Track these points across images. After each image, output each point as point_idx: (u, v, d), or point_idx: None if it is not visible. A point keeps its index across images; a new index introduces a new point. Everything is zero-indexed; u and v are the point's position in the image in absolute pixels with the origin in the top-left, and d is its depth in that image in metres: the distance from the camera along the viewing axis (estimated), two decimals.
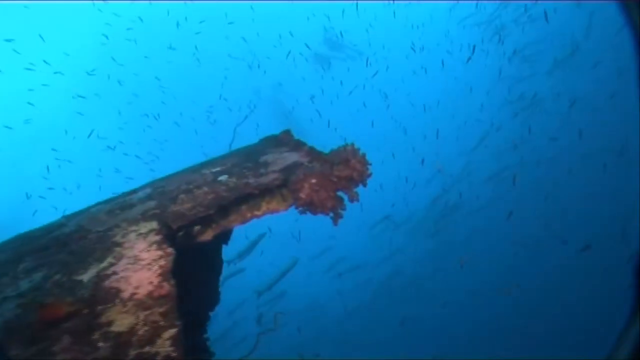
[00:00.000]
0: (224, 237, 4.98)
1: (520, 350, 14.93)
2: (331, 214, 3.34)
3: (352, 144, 3.50)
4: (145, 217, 3.26)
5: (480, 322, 17.42)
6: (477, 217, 18.68)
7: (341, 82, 18.51)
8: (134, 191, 3.98)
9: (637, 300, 1.17)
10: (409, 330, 17.90)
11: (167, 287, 2.40)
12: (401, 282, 20.14)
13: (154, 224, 3.09)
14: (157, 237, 2.91)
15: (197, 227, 3.60)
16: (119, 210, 3.55)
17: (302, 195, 3.19)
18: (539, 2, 16.81)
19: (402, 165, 20.79)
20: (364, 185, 3.56)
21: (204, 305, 5.20)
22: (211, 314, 5.39)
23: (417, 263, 19.37)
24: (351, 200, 3.45)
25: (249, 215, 3.65)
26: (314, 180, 3.20)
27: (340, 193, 3.59)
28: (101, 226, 3.35)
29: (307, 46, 18.07)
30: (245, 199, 3.41)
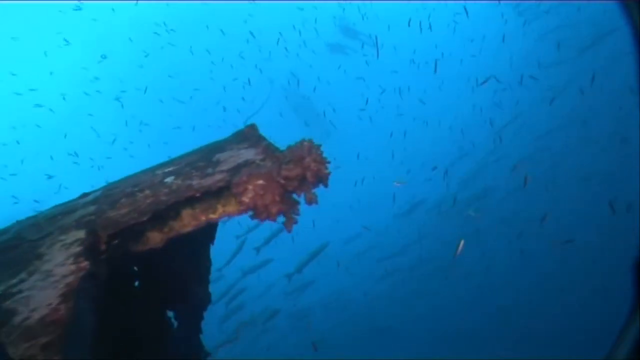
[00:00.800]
0: (209, 236, 4.72)
1: (521, 350, 14.43)
2: (283, 220, 2.97)
3: (310, 140, 3.09)
4: (79, 224, 2.98)
5: (481, 321, 16.94)
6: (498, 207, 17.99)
7: (355, 71, 18.01)
8: (86, 194, 3.74)
9: (637, 298, 1.11)
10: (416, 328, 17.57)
11: (62, 312, 2.10)
12: (426, 272, 19.73)
13: (81, 233, 2.81)
14: (78, 249, 2.61)
15: (148, 232, 3.33)
16: (60, 215, 3.30)
17: (245, 199, 2.82)
18: (548, 1, 15.80)
19: (426, 152, 20.21)
20: (325, 185, 3.16)
21: (195, 306, 4.98)
22: (204, 314, 5.19)
23: (441, 251, 18.80)
24: (308, 202, 3.07)
25: (203, 218, 3.34)
26: (260, 182, 2.82)
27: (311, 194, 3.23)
28: (37, 234, 3.10)
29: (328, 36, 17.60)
30: (186, 203, 3.08)
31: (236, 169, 3.10)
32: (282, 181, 2.81)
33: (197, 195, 2.98)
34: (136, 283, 4.46)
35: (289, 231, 2.98)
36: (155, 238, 3.35)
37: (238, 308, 16.81)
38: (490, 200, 18.42)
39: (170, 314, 4.86)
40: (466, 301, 18.08)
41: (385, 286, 20.12)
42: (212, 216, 3.33)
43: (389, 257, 19.46)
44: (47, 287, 2.32)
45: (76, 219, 3.06)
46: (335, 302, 21.14)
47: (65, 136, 17.75)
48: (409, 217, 18.73)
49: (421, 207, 18.62)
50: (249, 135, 3.79)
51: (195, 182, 3.06)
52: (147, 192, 3.13)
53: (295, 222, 2.96)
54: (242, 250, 13.98)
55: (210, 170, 3.18)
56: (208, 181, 3.02)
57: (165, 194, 3.05)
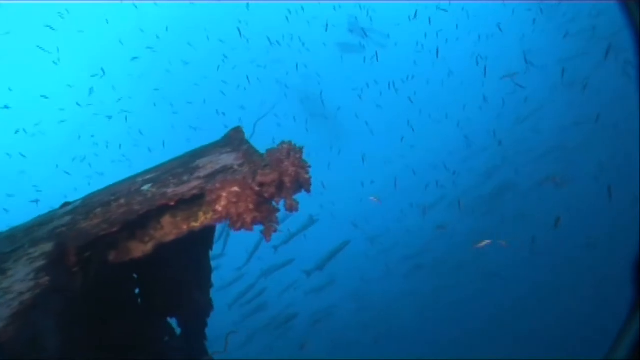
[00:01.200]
0: (206, 242, 4.60)
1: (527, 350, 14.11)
2: (261, 229, 2.80)
3: (289, 142, 2.92)
4: (51, 236, 2.87)
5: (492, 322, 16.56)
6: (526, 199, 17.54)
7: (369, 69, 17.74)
8: (67, 204, 3.64)
9: (636, 297, 1.11)
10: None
11: (9, 334, 1.96)
12: (440, 271, 19.44)
13: (49, 246, 2.69)
14: (42, 263, 2.49)
15: (127, 243, 3.21)
16: (37, 227, 3.20)
17: (219, 207, 2.67)
18: (550, 2, 15.33)
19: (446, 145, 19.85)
20: (307, 191, 2.98)
21: (197, 313, 4.88)
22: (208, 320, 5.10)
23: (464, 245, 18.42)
24: (289, 210, 2.89)
25: (184, 227, 3.20)
26: (234, 189, 2.66)
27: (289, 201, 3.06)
28: (10, 246, 3.00)
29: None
30: (164, 211, 2.94)
31: (213, 176, 2.95)
32: (257, 188, 2.64)
33: (171, 204, 2.84)
34: (134, 292, 4.38)
35: (267, 241, 2.81)
36: (136, 248, 3.23)
37: (257, 309, 16.72)
38: (506, 196, 18.04)
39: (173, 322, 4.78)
40: (479, 300, 17.81)
41: (401, 285, 19.87)
42: (194, 224, 3.18)
43: (407, 257, 19.22)
44: (1, 305, 2.19)
45: (49, 231, 2.95)
46: (352, 302, 20.99)
47: (79, 137, 17.80)
48: (426, 217, 18.46)
49: (438, 206, 18.33)
50: (232, 139, 3.64)
51: (170, 190, 2.92)
52: (122, 201, 3.01)
53: (274, 231, 2.79)
54: (259, 248, 13.86)
55: (186, 177, 3.04)
56: (183, 189, 2.87)
57: (139, 202, 2.92)
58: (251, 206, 2.59)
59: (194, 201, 2.99)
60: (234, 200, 2.62)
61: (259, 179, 2.66)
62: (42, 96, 15.21)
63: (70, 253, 2.69)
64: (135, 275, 4.29)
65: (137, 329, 4.31)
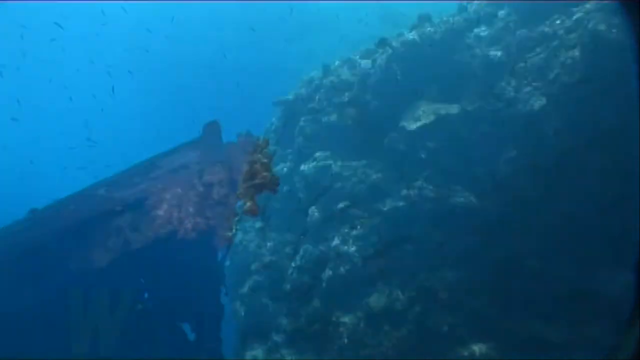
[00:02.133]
0: (208, 250, 4.38)
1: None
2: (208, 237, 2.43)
3: (246, 133, 2.52)
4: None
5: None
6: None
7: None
8: (36, 210, 3.45)
9: (638, 299, 1.06)
10: None
11: None
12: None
13: None
14: None
15: (88, 252, 2.95)
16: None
17: (160, 212, 2.32)
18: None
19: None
20: (272, 191, 2.55)
21: (209, 318, 4.71)
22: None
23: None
24: (247, 213, 2.48)
25: (150, 233, 2.90)
26: (178, 190, 2.31)
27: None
28: None
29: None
30: (114, 217, 2.64)
31: (164, 176, 2.61)
32: (201, 188, 2.27)
33: (117, 209, 2.53)
34: (134, 298, 4.22)
35: (223, 250, 2.43)
36: (102, 257, 2.97)
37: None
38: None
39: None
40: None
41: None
42: (162, 230, 2.88)
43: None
44: None
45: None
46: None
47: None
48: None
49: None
50: (206, 134, 3.30)
51: (117, 194, 2.61)
52: (71, 207, 2.74)
53: (230, 240, 2.39)
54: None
55: (138, 178, 2.71)
56: (128, 192, 2.55)
57: (87, 209, 2.63)
58: (191, 209, 2.22)
59: (135, 206, 2.68)
60: (175, 202, 2.26)
61: (206, 178, 2.29)
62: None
63: (7, 265, 2.44)
64: (142, 280, 4.14)
65: (138, 334, 4.15)
